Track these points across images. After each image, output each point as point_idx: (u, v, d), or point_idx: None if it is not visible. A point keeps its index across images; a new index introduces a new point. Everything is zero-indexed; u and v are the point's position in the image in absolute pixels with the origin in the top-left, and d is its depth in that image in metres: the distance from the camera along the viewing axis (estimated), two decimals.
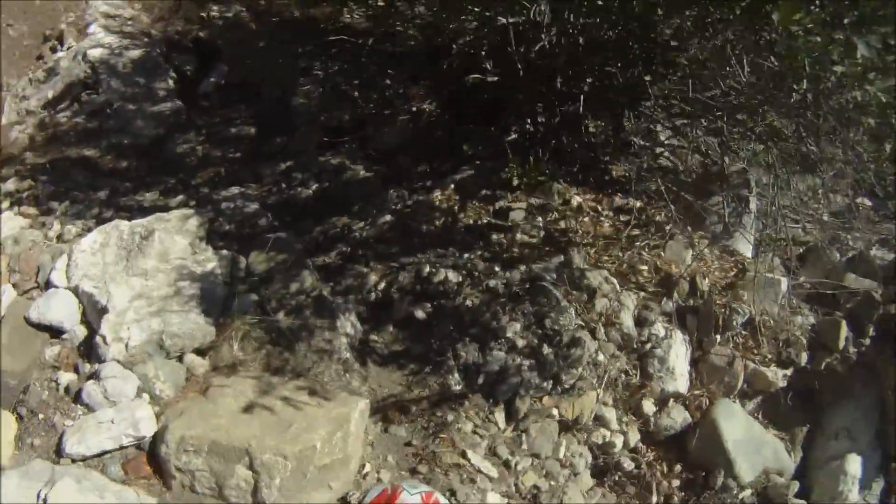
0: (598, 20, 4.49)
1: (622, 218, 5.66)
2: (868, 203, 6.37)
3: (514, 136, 5.85)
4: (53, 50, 10.58)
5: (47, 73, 10.29)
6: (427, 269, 5.23)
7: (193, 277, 4.99)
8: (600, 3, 4.45)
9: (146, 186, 8.17)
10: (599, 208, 5.74)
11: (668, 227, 5.38)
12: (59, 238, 6.38)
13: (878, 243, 6.08)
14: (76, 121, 9.85)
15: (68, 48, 10.37)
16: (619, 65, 4.81)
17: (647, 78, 4.74)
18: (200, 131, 9.35)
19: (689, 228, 5.45)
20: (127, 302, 4.82)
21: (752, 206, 5.87)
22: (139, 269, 5.05)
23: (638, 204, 5.64)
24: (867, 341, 5.26)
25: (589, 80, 5.20)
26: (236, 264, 5.29)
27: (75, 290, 5.17)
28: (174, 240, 5.30)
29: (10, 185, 8.77)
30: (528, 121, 5.79)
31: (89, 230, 5.98)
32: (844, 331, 5.23)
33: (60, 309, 4.89)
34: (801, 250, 5.89)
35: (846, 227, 6.02)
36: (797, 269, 5.52)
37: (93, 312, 5.03)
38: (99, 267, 5.14)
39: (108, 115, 9.55)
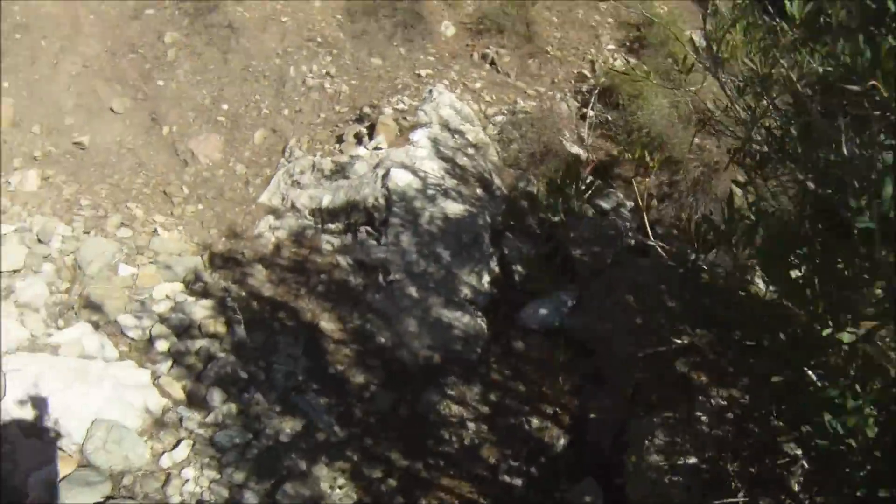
0: None
1: None
2: None
3: None
4: (358, 139, 8.44)
5: (336, 168, 8.29)
6: None
7: None
8: None
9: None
10: None
11: None
12: None
13: None
14: (339, 263, 7.71)
15: (375, 148, 8.19)
16: None
17: None
18: (497, 391, 6.94)
19: None
20: None
21: None
22: None
23: None
24: None
25: None
26: None
27: None
28: None
29: (202, 307, 7.08)
30: None
31: None
32: None
33: None
34: None
35: None
36: None
37: None
38: None
39: (380, 286, 7.28)
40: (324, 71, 9.69)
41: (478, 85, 9.86)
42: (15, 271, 7.50)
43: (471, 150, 8.58)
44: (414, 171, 7.94)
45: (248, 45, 9.98)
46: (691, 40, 6.66)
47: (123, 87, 9.94)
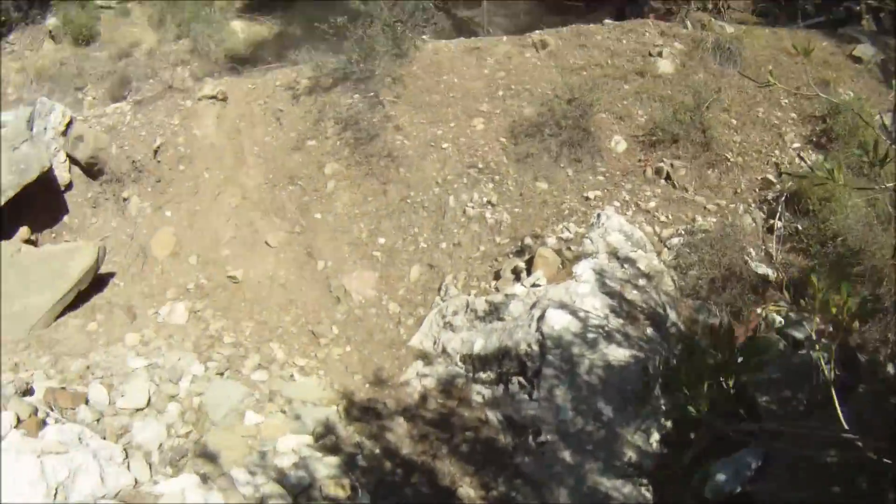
0: None
1: None
2: None
3: None
4: (516, 275, 7.28)
5: (490, 309, 7.19)
6: None
7: None
8: None
9: None
10: None
11: None
12: None
13: None
14: (487, 418, 6.45)
15: (533, 284, 7.00)
16: None
17: None
18: None
19: None
20: None
21: None
22: None
23: None
24: None
25: None
26: None
27: None
28: None
29: (327, 464, 6.23)
30: None
31: None
32: None
33: None
34: None
35: None
36: None
37: None
38: None
39: (530, 448, 5.91)
40: (485, 199, 8.77)
41: (652, 204, 8.49)
42: (137, 410, 6.89)
43: (642, 281, 7.12)
44: (573, 312, 6.59)
45: (407, 175, 9.37)
46: (883, 125, 5.52)
47: (281, 219, 9.63)
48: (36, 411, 6.45)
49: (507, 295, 7.21)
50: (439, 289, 8.29)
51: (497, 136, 9.38)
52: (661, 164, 8.82)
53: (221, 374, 7.48)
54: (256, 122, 10.71)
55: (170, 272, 9.51)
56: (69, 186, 10.59)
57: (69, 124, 10.68)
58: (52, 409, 6.58)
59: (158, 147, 10.28)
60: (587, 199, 8.53)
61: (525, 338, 6.54)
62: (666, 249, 7.87)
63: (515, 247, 8.07)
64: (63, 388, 6.84)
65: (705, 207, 8.53)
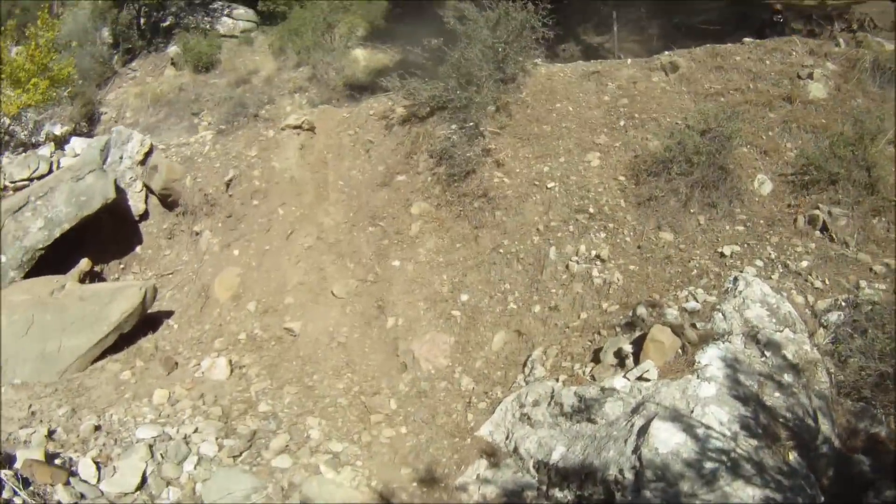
0: None
1: None
2: None
3: None
4: (619, 360, 5.40)
5: (579, 405, 5.66)
6: None
7: None
8: None
9: None
10: None
11: None
12: None
13: None
14: None
15: (639, 377, 5.13)
16: None
17: None
18: None
19: None
20: None
21: None
22: None
23: None
24: None
25: None
26: None
27: None
28: None
29: None
30: None
31: None
32: None
33: None
34: None
35: None
36: None
37: None
38: None
39: None
40: (594, 253, 6.85)
41: (804, 264, 6.17)
42: (124, 494, 5.55)
43: (787, 377, 4.95)
44: (689, 427, 4.53)
45: (503, 219, 7.63)
46: None
47: (355, 265, 8.18)
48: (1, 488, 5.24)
49: (603, 389, 5.24)
50: (524, 364, 6.43)
51: (615, 175, 7.44)
52: (816, 212, 6.51)
53: (237, 456, 6.04)
54: (344, 154, 9.46)
55: (226, 317, 8.34)
56: (145, 216, 9.85)
57: (148, 153, 10.01)
58: (22, 488, 5.33)
59: (230, 180, 9.31)
60: (722, 255, 6.37)
61: (618, 459, 4.56)
62: (822, 329, 5.56)
63: (625, 317, 6.06)
64: (44, 463, 5.60)
65: (872, 269, 6.10)
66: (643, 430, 4.57)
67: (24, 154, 10.26)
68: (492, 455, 5.81)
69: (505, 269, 7.38)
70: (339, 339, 7.58)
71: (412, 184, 8.56)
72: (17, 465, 5.65)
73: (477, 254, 7.64)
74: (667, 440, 4.42)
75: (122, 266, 9.37)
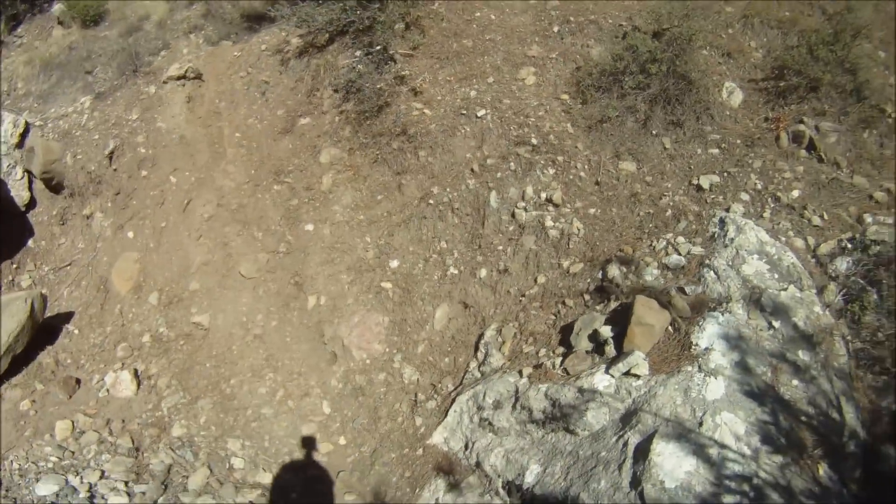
0: None
1: None
2: None
3: None
4: (596, 346, 4.53)
5: (553, 411, 4.67)
6: None
7: None
8: None
9: None
10: None
11: None
12: None
13: None
14: None
15: (626, 373, 4.09)
16: None
17: None
18: None
19: None
20: None
21: None
22: None
23: None
24: None
25: None
26: None
27: None
28: None
29: None
30: None
31: None
32: None
33: None
34: None
35: None
36: None
37: None
38: None
39: None
40: (543, 195, 5.64)
41: (794, 193, 5.09)
42: None
43: (803, 356, 3.98)
44: (699, 448, 3.54)
45: (429, 160, 6.33)
46: None
47: (263, 233, 6.87)
48: None
49: (582, 390, 4.19)
50: (475, 347, 5.35)
51: (556, 93, 6.09)
52: (801, 127, 5.37)
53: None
54: (238, 101, 7.87)
55: (127, 315, 7.05)
56: (32, 204, 8.25)
57: (24, 133, 8.31)
58: None
59: (112, 152, 7.73)
60: (699, 188, 5.21)
61: (611, 493, 3.56)
62: (832, 284, 4.54)
63: (593, 279, 4.96)
64: None
65: (871, 196, 5.08)
66: (641, 454, 3.54)
67: None
68: (450, 472, 4.81)
69: (438, 223, 6.15)
70: (254, 330, 6.37)
71: (318, 126, 7.11)
72: None
73: (403, 206, 6.38)
74: (673, 470, 3.42)
75: (15, 266, 7.87)
